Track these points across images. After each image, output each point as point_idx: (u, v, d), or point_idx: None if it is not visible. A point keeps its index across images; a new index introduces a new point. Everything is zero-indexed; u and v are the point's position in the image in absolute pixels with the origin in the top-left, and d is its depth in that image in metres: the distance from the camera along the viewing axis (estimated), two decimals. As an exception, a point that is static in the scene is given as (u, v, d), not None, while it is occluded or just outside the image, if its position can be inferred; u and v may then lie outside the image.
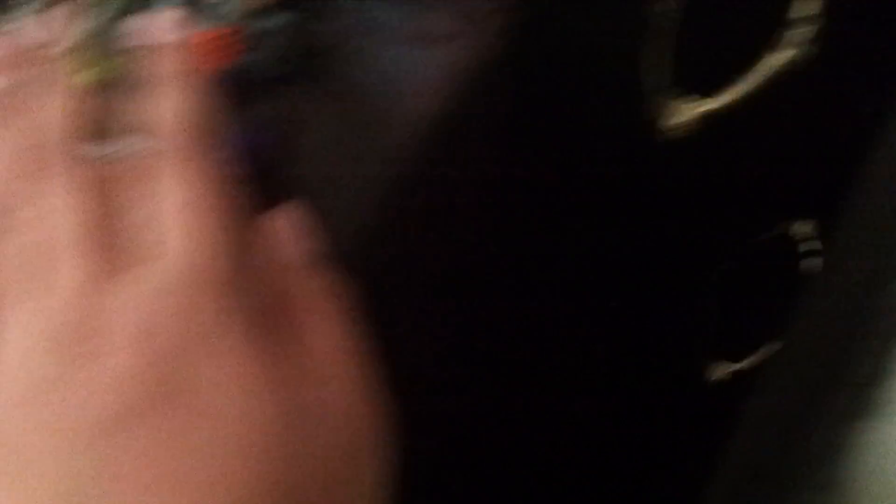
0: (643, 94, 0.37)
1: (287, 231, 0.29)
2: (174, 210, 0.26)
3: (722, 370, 0.58)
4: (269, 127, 0.31)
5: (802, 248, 0.57)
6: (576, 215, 0.42)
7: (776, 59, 0.37)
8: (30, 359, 0.24)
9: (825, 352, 0.53)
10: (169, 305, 0.24)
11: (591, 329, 0.49)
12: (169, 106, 0.28)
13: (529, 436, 0.49)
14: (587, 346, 0.50)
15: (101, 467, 0.23)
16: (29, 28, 0.30)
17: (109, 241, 0.25)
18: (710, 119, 0.39)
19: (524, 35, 0.30)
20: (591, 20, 0.34)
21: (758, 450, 0.53)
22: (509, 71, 0.31)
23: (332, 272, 0.28)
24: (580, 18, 0.33)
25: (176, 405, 0.23)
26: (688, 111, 0.38)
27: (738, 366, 0.58)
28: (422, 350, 0.29)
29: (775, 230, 0.56)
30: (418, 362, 0.28)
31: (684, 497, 0.59)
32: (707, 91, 0.38)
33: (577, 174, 0.40)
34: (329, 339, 0.28)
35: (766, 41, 0.37)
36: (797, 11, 0.36)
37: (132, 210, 0.26)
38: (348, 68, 0.31)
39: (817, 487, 0.48)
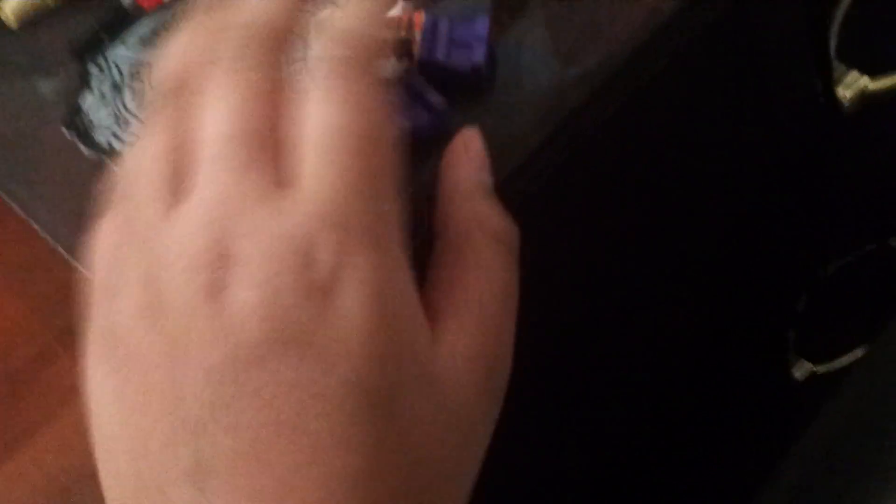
0: (820, 59, 0.40)
1: (467, 159, 0.27)
2: (321, 132, 0.23)
3: (807, 370, 0.60)
4: None
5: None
6: (727, 181, 0.44)
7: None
8: (169, 273, 0.22)
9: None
10: (293, 248, 0.22)
11: (692, 305, 0.51)
12: (341, 16, 0.25)
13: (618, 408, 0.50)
14: (684, 323, 0.52)
15: (215, 402, 0.21)
16: None
17: (258, 156, 0.23)
18: (866, 100, 0.42)
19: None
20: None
21: (835, 443, 0.55)
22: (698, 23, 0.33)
23: (505, 212, 0.26)
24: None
25: (294, 354, 0.21)
26: (851, 85, 0.41)
27: (824, 367, 0.59)
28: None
29: (882, 240, 0.58)
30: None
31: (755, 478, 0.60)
32: (871, 70, 0.41)
33: (742, 134, 0.42)
34: (493, 288, 0.25)
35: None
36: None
37: (288, 124, 0.24)
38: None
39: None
